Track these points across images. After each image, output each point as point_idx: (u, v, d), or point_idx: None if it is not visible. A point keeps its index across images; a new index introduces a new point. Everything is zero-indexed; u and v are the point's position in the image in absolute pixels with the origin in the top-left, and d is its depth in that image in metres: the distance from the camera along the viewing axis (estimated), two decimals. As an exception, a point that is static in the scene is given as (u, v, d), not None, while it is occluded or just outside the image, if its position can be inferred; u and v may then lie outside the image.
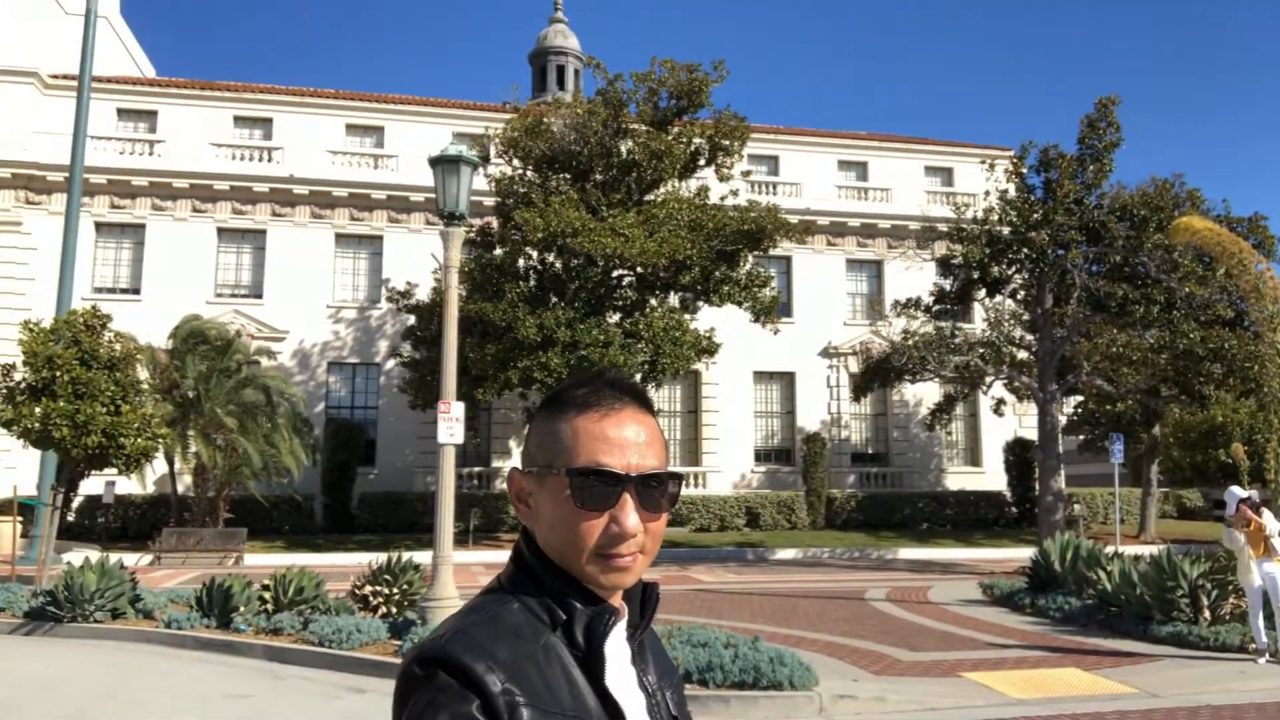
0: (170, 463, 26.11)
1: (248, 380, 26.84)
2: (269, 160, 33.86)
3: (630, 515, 1.26)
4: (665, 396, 35.10)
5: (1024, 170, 26.81)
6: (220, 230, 33.39)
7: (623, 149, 27.43)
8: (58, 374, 17.26)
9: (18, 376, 17.75)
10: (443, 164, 12.38)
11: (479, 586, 1.49)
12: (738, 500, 32.97)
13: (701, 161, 28.78)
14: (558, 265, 27.09)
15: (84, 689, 9.60)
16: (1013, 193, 26.46)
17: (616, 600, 1.33)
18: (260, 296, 33.21)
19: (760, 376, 36.35)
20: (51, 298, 23.73)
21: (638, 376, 26.42)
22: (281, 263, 33.33)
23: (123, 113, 33.87)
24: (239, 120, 34.89)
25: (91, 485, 27.65)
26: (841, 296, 37.50)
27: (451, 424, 11.90)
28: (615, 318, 27.50)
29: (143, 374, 25.63)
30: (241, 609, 13.26)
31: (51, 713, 8.54)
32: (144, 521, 28.16)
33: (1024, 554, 20.60)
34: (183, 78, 36.77)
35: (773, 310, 28.38)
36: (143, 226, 32.76)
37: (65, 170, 26.27)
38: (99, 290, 31.86)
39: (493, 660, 1.15)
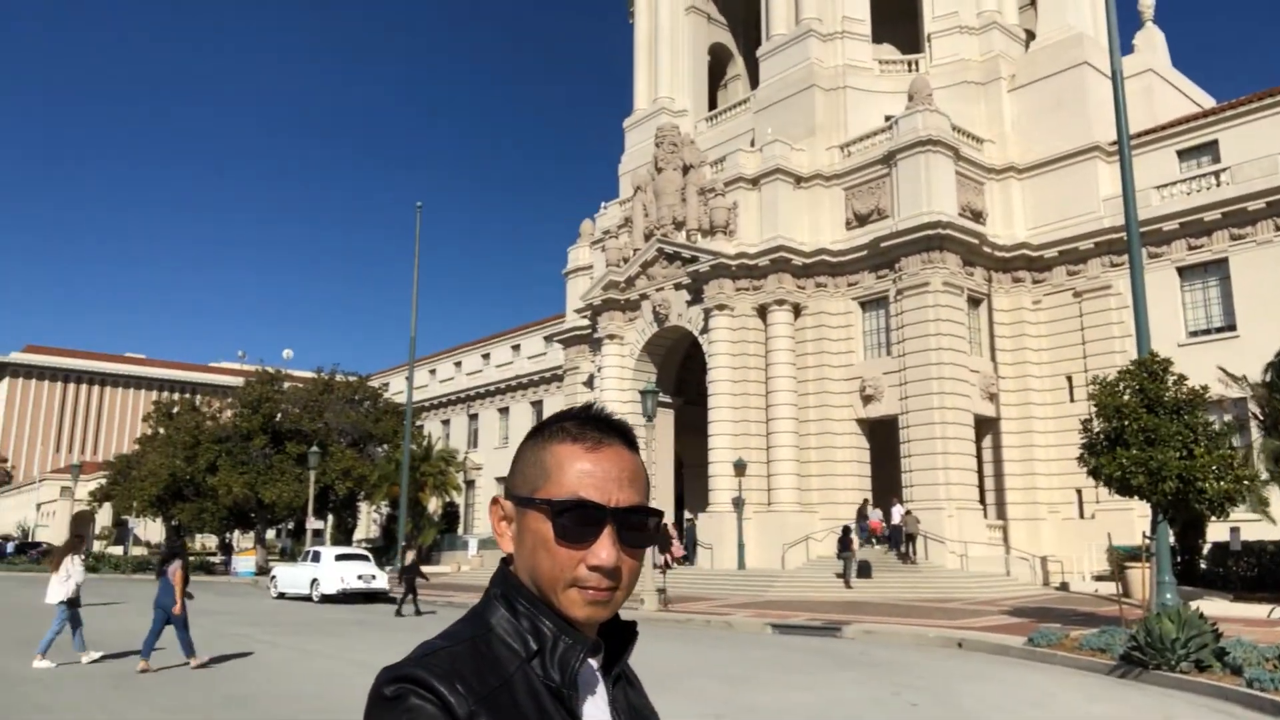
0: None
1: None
2: (1359, 146, 28.94)
3: (609, 549, 1.26)
4: None
5: None
6: (1314, 241, 29.70)
7: None
8: (1126, 422, 17.84)
9: (1095, 427, 18.93)
10: None
11: None
12: None
13: None
14: None
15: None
16: None
17: (593, 633, 1.33)
18: (1381, 305, 28.07)
19: None
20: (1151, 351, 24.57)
21: None
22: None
23: (1182, 154, 33.63)
24: (1313, 115, 30.94)
25: (1219, 532, 27.06)
26: None
27: None
28: None
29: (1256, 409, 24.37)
30: (1339, 674, 11.30)
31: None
32: (1280, 570, 25.99)
33: None
34: (1239, 97, 34.56)
35: None
36: (1224, 260, 31.45)
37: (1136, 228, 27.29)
38: (1193, 334, 31.65)
39: (462, 684, 1.17)
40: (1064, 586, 31.20)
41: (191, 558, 57.86)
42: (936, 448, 32.86)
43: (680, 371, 43.33)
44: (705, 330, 38.45)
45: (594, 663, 1.33)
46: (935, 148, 34.52)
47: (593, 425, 1.35)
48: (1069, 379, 34.69)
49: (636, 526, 1.30)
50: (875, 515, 33.44)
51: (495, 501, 1.39)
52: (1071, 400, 34.25)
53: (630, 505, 1.29)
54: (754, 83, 45.68)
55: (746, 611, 24.51)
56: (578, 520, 1.26)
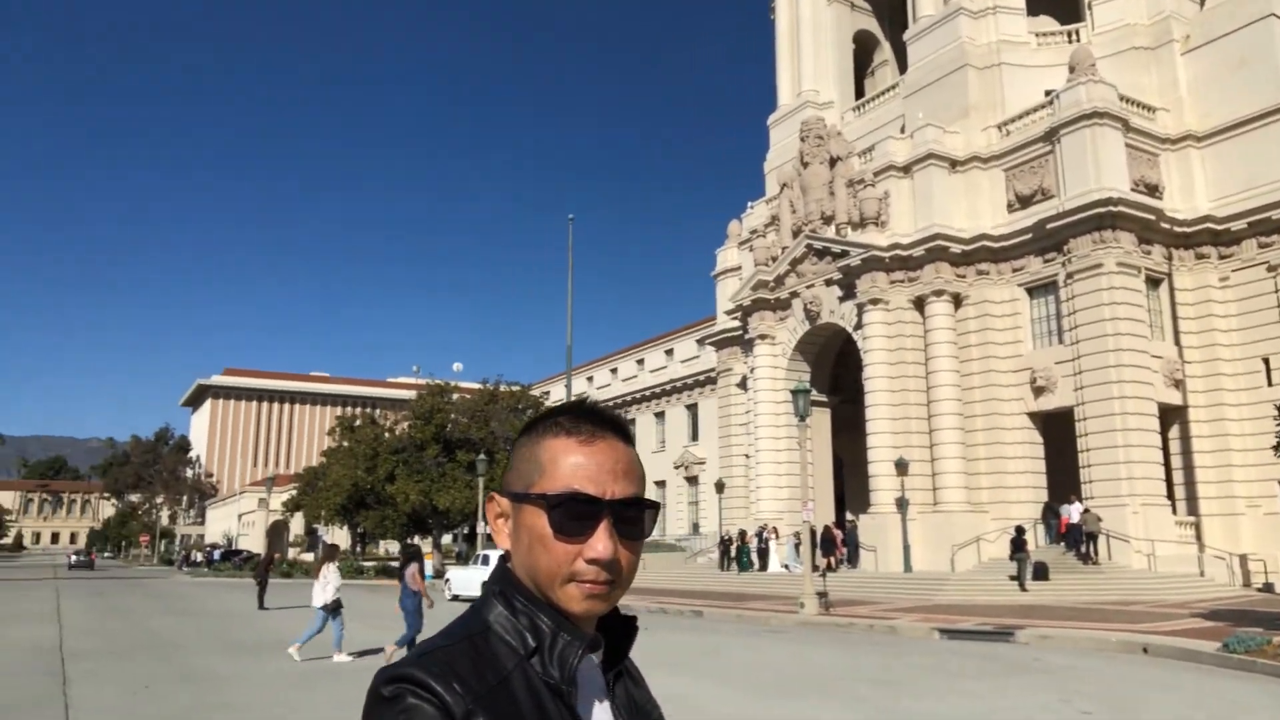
0: None
1: None
2: None
3: (605, 541, 1.26)
4: None
5: None
6: None
7: None
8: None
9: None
10: None
11: None
12: None
13: None
14: None
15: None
16: None
17: (591, 628, 1.31)
18: None
19: None
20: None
21: None
22: None
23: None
24: None
25: None
26: None
27: None
28: None
29: None
30: None
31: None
32: None
33: None
34: None
35: None
36: None
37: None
38: None
39: (459, 683, 1.16)
40: (1268, 588, 28.59)
41: (370, 562, 61.32)
42: (1117, 440, 30.76)
43: (835, 369, 42.42)
44: (859, 326, 37.49)
45: (595, 658, 1.32)
46: (1102, 120, 32.37)
47: (586, 419, 1.34)
48: (1265, 361, 31.74)
49: (633, 519, 1.29)
50: (1066, 511, 31.36)
51: (491, 498, 1.38)
52: (1269, 384, 31.36)
53: (626, 497, 1.28)
54: (902, 68, 44.26)
55: (912, 616, 23.68)
56: (574, 514, 1.25)
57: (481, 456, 47.80)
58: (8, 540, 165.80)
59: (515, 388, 61.77)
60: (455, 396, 59.53)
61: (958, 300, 35.84)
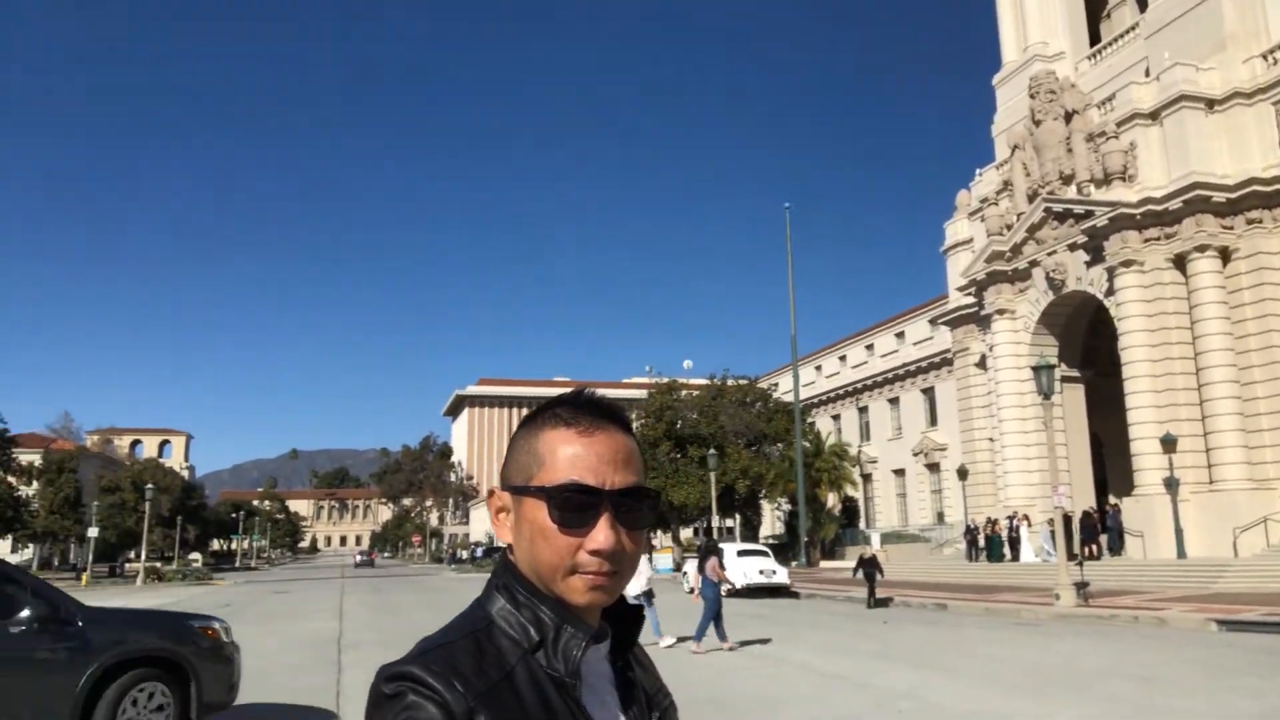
0: None
1: None
2: None
3: (607, 531, 1.26)
4: None
5: None
6: None
7: None
8: None
9: None
10: None
11: None
12: None
13: None
14: None
15: None
16: None
17: (595, 619, 1.31)
18: None
19: None
20: None
21: None
22: None
23: None
24: None
25: None
26: None
27: None
28: None
29: None
30: None
31: None
32: None
33: None
34: None
35: None
36: None
37: None
38: None
39: (461, 680, 1.16)
40: None
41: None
42: None
43: (1088, 340, 39.17)
44: (1111, 292, 34.36)
45: (602, 648, 1.32)
46: (1397, 31, 27.83)
47: (585, 410, 1.32)
48: None
49: (634, 508, 1.28)
50: None
51: (491, 493, 1.38)
52: None
53: (626, 487, 1.27)
54: (1142, 6, 40.17)
55: (1184, 606, 21.42)
56: (574, 505, 1.25)
57: (712, 451, 48.18)
58: (305, 544, 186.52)
59: (742, 381, 61.84)
60: (684, 393, 60.44)
61: (1225, 255, 32.02)
